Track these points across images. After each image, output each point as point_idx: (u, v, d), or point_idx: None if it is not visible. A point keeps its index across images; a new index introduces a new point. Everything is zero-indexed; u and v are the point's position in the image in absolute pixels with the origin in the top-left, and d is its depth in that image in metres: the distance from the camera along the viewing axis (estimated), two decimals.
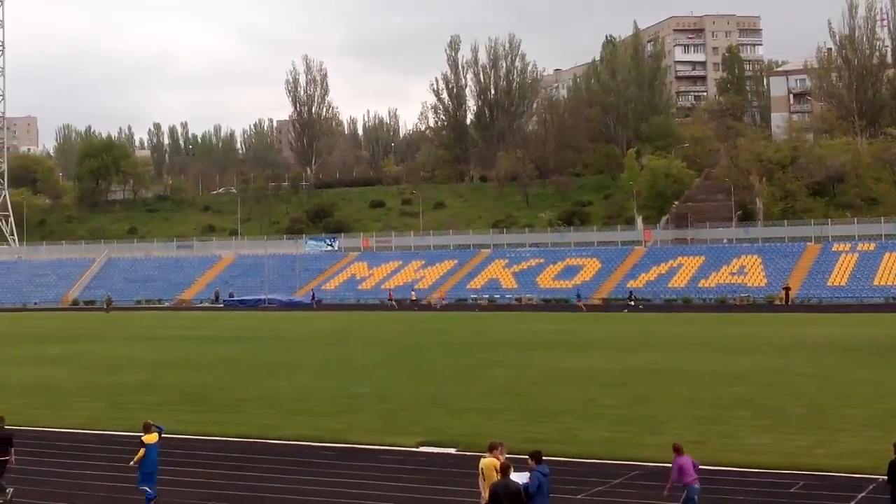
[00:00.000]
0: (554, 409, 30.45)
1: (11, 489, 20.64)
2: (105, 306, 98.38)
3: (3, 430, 21.01)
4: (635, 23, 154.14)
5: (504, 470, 15.84)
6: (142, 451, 19.35)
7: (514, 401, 32.20)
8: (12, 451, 20.90)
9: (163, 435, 20.16)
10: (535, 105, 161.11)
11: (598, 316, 79.29)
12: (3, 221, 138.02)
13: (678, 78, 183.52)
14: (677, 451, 17.52)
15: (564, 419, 28.56)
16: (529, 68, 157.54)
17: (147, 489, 19.35)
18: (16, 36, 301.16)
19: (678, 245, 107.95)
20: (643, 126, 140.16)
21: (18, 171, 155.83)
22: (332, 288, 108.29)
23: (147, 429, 19.79)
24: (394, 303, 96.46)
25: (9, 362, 48.15)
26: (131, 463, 19.66)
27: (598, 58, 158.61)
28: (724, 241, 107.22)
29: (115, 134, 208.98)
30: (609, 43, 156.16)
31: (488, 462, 16.52)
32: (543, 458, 16.44)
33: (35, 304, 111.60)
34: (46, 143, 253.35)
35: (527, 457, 16.45)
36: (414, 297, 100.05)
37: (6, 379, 40.85)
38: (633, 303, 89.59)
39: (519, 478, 16.11)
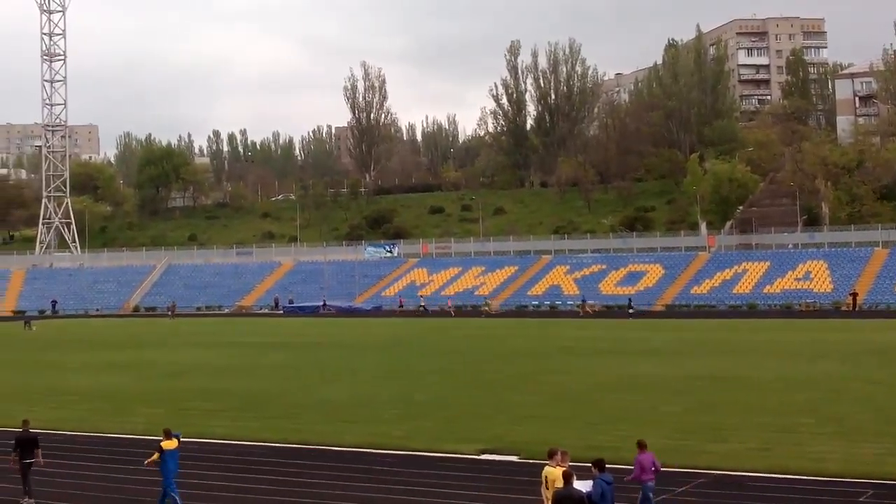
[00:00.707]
0: (616, 416, 30.15)
1: (33, 501, 20.88)
2: (170, 313, 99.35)
3: (28, 433, 21.44)
4: (698, 26, 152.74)
5: (567, 478, 15.67)
6: (156, 455, 19.78)
7: (576, 408, 31.92)
8: (39, 452, 21.27)
9: (181, 439, 20.54)
10: (596, 110, 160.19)
11: (662, 322, 78.43)
12: (66, 229, 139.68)
13: (741, 81, 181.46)
14: (641, 447, 18.08)
15: (627, 426, 28.15)
16: (590, 73, 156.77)
17: (174, 496, 19.77)
18: (77, 45, 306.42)
19: (742, 250, 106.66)
20: (706, 130, 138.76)
21: (80, 178, 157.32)
22: (391, 294, 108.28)
23: (167, 435, 20.14)
24: (452, 310, 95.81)
25: (72, 368, 48.76)
26: (146, 462, 20.26)
27: (659, 61, 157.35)
28: (790, 246, 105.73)
29: (174, 141, 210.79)
30: (671, 46, 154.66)
31: (553, 471, 16.32)
32: (606, 465, 16.23)
33: (97, 310, 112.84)
34: (107, 150, 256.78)
35: (590, 465, 16.24)
36: (423, 304, 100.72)
37: (70, 385, 41.33)
38: (631, 311, 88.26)
39: (582, 486, 15.94)
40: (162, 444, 19.92)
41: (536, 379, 39.96)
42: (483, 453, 25.24)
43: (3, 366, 50.99)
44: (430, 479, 22.36)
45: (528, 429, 28.07)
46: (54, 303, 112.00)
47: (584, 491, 15.86)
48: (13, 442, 21.53)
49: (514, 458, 24.56)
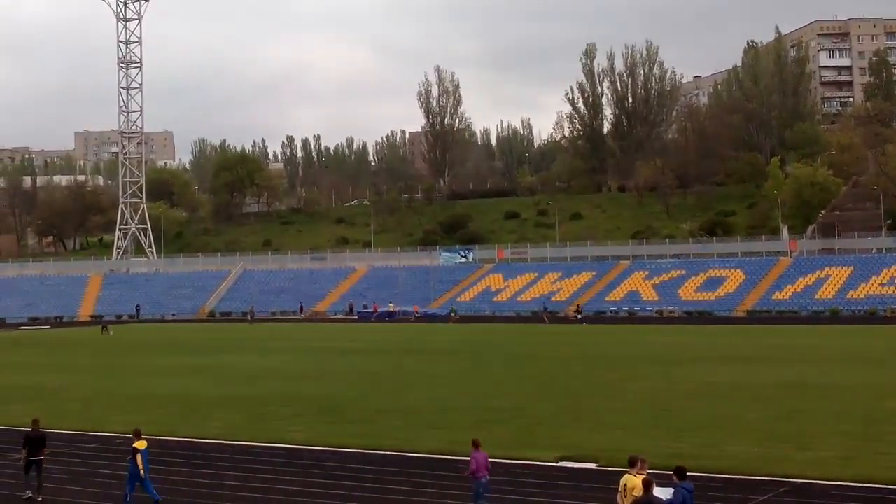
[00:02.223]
0: (698, 423, 29.68)
1: (41, 498, 22.03)
2: (249, 318, 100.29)
3: (38, 432, 22.64)
4: (777, 28, 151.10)
5: (647, 485, 15.49)
6: (138, 457, 21.05)
7: (657, 415, 31.46)
8: (45, 451, 22.59)
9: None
10: (674, 113, 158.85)
11: (743, 329, 77.25)
12: (142, 234, 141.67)
13: (823, 83, 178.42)
14: (475, 445, 19.45)
15: (709, 434, 27.79)
16: (668, 75, 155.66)
17: (129, 496, 21.14)
18: (153, 53, 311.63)
19: (825, 255, 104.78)
20: (787, 133, 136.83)
21: (156, 184, 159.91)
22: (467, 300, 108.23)
23: (137, 435, 21.46)
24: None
25: (150, 373, 49.34)
26: (142, 473, 21.15)
27: (739, 64, 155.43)
28: (874, 250, 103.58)
29: (248, 147, 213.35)
30: (750, 48, 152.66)
31: (633, 480, 16.07)
32: (687, 473, 15.96)
33: (173, 315, 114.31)
34: (182, 157, 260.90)
35: (671, 472, 15.97)
36: (417, 311, 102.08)
37: (147, 389, 41.82)
38: (579, 316, 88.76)
39: (662, 494, 15.71)
40: (135, 444, 21.24)
41: (616, 386, 39.52)
42: (561, 461, 24.97)
43: (84, 370, 51.73)
44: (507, 487, 22.10)
45: (608, 436, 27.72)
46: (138, 308, 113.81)
47: (665, 499, 15.64)
48: (22, 440, 22.67)
49: (592, 466, 24.26)
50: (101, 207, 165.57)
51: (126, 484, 21.51)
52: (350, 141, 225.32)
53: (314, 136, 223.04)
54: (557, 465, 24.68)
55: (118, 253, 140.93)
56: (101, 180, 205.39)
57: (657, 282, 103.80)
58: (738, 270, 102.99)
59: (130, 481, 21.33)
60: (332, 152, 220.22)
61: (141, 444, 21.31)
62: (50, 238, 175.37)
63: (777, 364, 47.06)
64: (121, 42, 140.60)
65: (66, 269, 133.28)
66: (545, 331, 77.31)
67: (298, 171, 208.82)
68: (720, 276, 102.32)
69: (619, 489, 16.37)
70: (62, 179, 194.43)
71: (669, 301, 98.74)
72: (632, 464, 16.52)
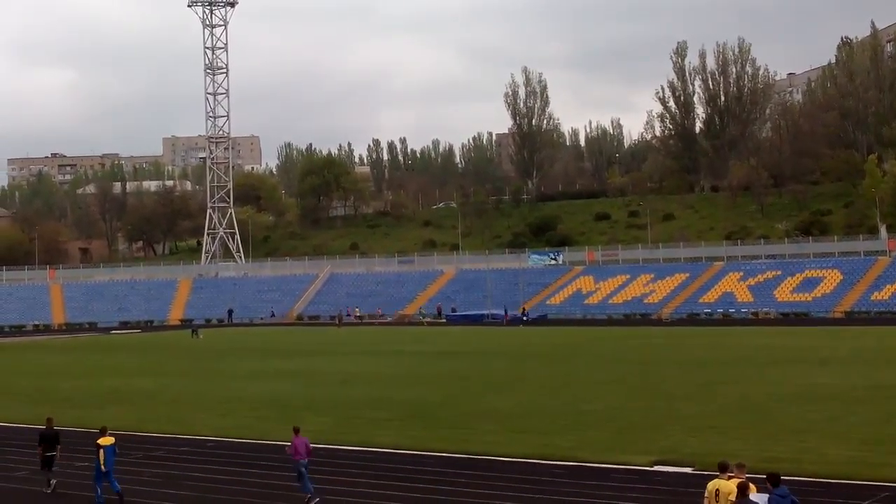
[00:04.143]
0: (795, 427, 28.98)
1: (55, 481, 23.73)
2: (337, 322, 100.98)
3: (51, 430, 24.17)
4: (873, 23, 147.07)
5: (742, 490, 15.29)
6: (101, 453, 22.14)
7: (753, 419, 30.78)
8: (59, 447, 24.01)
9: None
10: (767, 111, 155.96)
11: (841, 330, 75.45)
12: (230, 239, 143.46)
13: None
14: (295, 432, 22.48)
15: (806, 438, 27.15)
16: (761, 73, 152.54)
17: (99, 490, 22.14)
18: (239, 58, 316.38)
19: None
20: (885, 130, 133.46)
21: (243, 189, 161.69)
22: (556, 303, 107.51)
23: (103, 432, 22.70)
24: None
25: (240, 376, 49.88)
26: (102, 467, 22.14)
27: (833, 60, 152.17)
28: None
29: (334, 151, 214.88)
30: (845, 44, 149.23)
31: (724, 485, 15.67)
32: (783, 478, 15.59)
33: (261, 319, 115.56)
34: (269, 161, 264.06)
35: (763, 477, 15.63)
36: (358, 313, 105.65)
37: (238, 392, 42.28)
38: (525, 318, 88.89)
39: (758, 499, 15.40)
40: (99, 440, 22.39)
41: (711, 389, 38.78)
42: (655, 465, 24.53)
43: (174, 374, 52.56)
44: (600, 491, 21.85)
45: (703, 440, 27.17)
46: (230, 311, 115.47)
47: None
48: (38, 437, 24.24)
49: (687, 470, 23.75)
50: (189, 212, 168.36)
51: (94, 482, 22.46)
52: (436, 143, 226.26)
53: (400, 138, 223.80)
54: (651, 469, 24.24)
55: (206, 257, 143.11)
56: (188, 185, 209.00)
57: (752, 283, 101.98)
58: (836, 270, 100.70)
59: (98, 479, 22.29)
60: (418, 155, 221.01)
61: (107, 441, 22.37)
62: (140, 243, 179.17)
63: (876, 366, 45.79)
64: (207, 48, 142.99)
65: (156, 273, 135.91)
66: (637, 334, 76.37)
67: (385, 174, 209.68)
68: (817, 277, 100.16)
69: (707, 495, 16.03)
70: (151, 185, 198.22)
71: (765, 302, 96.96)
72: (723, 469, 16.28)
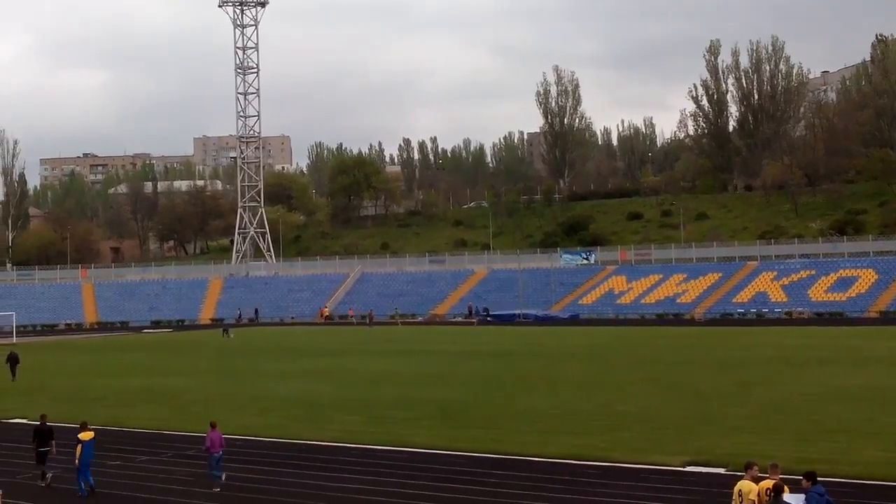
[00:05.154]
0: (830, 427, 28.77)
1: (51, 474, 24.43)
2: (368, 321, 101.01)
3: (45, 425, 25.02)
4: None
5: (777, 490, 15.20)
6: (79, 447, 22.85)
7: (787, 419, 30.53)
8: (53, 443, 24.76)
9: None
10: (801, 110, 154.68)
11: (876, 330, 74.73)
12: (260, 238, 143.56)
13: None
14: (212, 426, 23.66)
15: (841, 438, 26.95)
16: (795, 71, 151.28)
17: (82, 484, 22.89)
18: (270, 58, 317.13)
19: None
20: None
21: (273, 188, 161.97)
22: (589, 303, 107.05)
23: (83, 427, 23.60)
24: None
25: (270, 376, 49.92)
26: (76, 462, 22.93)
27: (868, 58, 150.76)
28: None
29: (365, 150, 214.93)
30: (880, 42, 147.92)
31: (745, 485, 15.63)
32: (819, 478, 15.43)
33: (292, 318, 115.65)
34: (299, 161, 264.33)
35: (799, 477, 15.50)
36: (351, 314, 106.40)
37: (267, 391, 42.33)
38: (489, 318, 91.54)
39: (793, 499, 15.27)
40: (80, 435, 23.20)
41: (745, 389, 38.47)
42: (688, 465, 24.40)
43: (205, 373, 52.70)
44: (633, 492, 21.73)
45: (736, 441, 26.96)
46: (256, 311, 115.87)
47: None
48: (32, 433, 25.12)
49: (720, 471, 23.60)
50: (220, 212, 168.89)
51: (77, 477, 23.06)
52: (467, 142, 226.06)
53: (431, 138, 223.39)
54: (685, 469, 24.10)
55: (237, 257, 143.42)
56: (219, 185, 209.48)
57: (786, 282, 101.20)
58: (871, 270, 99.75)
59: (80, 472, 22.96)
60: (448, 154, 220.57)
61: (86, 436, 23.20)
62: (171, 242, 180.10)
63: None
64: (238, 48, 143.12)
65: (187, 272, 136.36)
66: (669, 334, 75.97)
67: (415, 174, 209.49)
68: (851, 277, 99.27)
69: (735, 495, 15.99)
70: (182, 185, 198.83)
71: (799, 302, 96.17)
72: (747, 469, 16.31)
